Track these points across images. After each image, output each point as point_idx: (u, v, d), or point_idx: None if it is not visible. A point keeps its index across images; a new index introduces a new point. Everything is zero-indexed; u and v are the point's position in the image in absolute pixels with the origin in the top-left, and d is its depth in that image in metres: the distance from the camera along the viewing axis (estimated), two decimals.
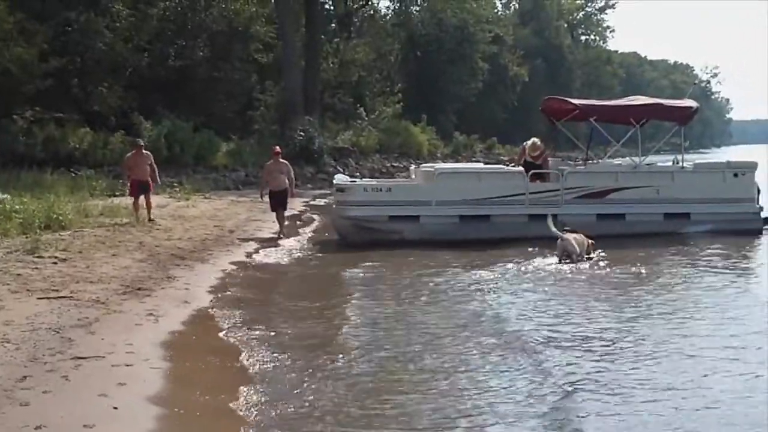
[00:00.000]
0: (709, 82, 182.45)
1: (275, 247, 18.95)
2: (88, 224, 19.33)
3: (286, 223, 21.36)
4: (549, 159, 21.68)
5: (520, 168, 21.03)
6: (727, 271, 16.17)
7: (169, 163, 32.51)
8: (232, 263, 16.27)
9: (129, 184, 21.76)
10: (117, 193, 26.05)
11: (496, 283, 14.43)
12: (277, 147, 21.63)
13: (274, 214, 20.87)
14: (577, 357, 9.67)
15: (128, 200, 21.98)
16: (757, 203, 21.60)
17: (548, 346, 10.16)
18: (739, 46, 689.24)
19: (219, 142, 38.77)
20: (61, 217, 18.58)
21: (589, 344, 10.27)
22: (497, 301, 13.01)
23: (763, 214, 21.71)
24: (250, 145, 39.54)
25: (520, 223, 19.76)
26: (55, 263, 14.06)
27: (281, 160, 20.68)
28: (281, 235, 20.30)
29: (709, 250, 18.24)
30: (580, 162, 23.71)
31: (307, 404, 7.98)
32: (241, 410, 7.73)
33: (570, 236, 16.57)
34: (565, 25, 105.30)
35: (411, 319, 11.79)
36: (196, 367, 9.05)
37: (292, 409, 7.82)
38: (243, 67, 46.14)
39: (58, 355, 8.86)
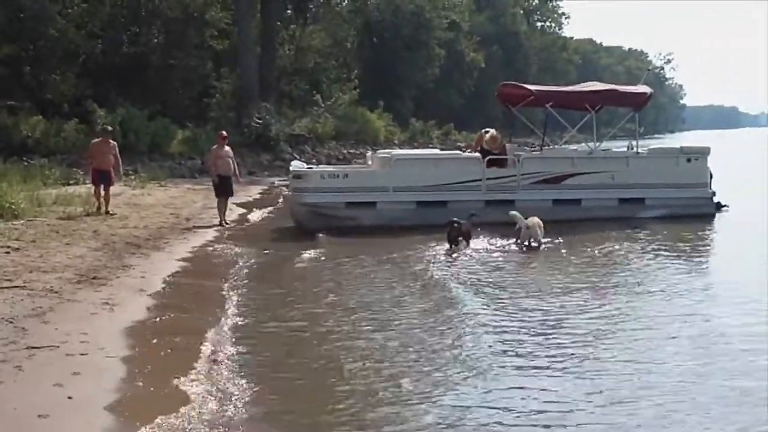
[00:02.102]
0: (663, 68, 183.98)
1: (229, 234, 18.87)
2: (42, 213, 19.11)
3: (243, 211, 21.23)
4: (506, 145, 21.78)
5: (477, 154, 21.10)
6: (677, 254, 16.37)
7: (123, 152, 31.83)
8: (188, 251, 16.22)
9: (90, 173, 21.08)
10: (71, 182, 25.79)
11: (458, 267, 14.48)
12: (224, 132, 21.50)
13: (222, 201, 20.65)
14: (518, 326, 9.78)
15: (82, 189, 21.74)
16: (710, 188, 21.88)
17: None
18: (693, 34, 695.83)
19: (174, 130, 38.51)
20: (13, 206, 18.31)
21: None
22: (459, 288, 13.03)
23: (715, 199, 22.00)
24: (206, 133, 39.21)
25: (476, 209, 19.81)
26: (8, 253, 13.89)
27: (226, 146, 20.61)
28: (224, 224, 20.18)
29: (662, 235, 18.43)
30: (536, 148, 23.82)
31: (263, 391, 7.98)
32: (197, 398, 7.69)
33: (533, 221, 16.66)
34: (521, 12, 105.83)
35: (367, 304, 11.81)
36: (152, 356, 8.99)
37: (249, 397, 7.80)
38: (198, 53, 45.73)
39: (11, 345, 8.78)
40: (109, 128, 23.07)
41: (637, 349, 9.44)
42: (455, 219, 16.74)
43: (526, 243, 16.63)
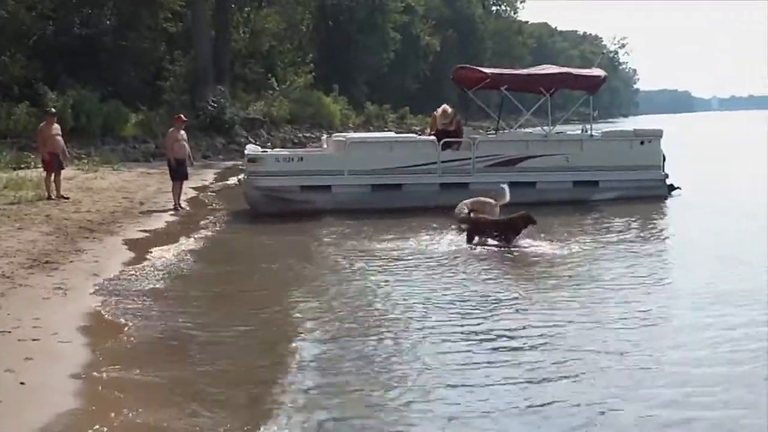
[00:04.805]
0: (617, 52, 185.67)
1: (184, 218, 18.79)
2: None
3: (197, 194, 21.10)
4: (462, 127, 21.84)
5: (432, 137, 21.14)
6: (631, 236, 16.51)
7: (75, 135, 31.78)
8: (142, 235, 16.12)
9: (45, 158, 20.45)
10: (22, 166, 25.44)
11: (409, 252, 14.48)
12: (182, 115, 21.32)
13: (177, 185, 20.51)
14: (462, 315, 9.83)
15: (34, 173, 21.47)
16: (663, 170, 22.11)
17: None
18: (646, 18, 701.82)
19: (127, 113, 38.09)
20: None
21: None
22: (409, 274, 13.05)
23: (668, 181, 22.24)
24: (159, 116, 38.86)
25: (432, 192, 19.89)
26: None
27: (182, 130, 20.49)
28: (178, 208, 20.05)
29: (617, 217, 18.58)
30: (491, 131, 23.91)
31: (215, 371, 7.95)
32: (148, 382, 7.66)
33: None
34: None
35: (314, 289, 11.80)
36: (106, 340, 8.91)
37: (200, 379, 7.77)
38: (151, 36, 45.18)
39: None
40: (53, 110, 22.72)
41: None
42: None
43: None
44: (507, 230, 14.78)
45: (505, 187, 16.94)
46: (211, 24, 45.79)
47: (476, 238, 14.79)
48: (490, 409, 7.06)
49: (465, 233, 15.09)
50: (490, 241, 14.77)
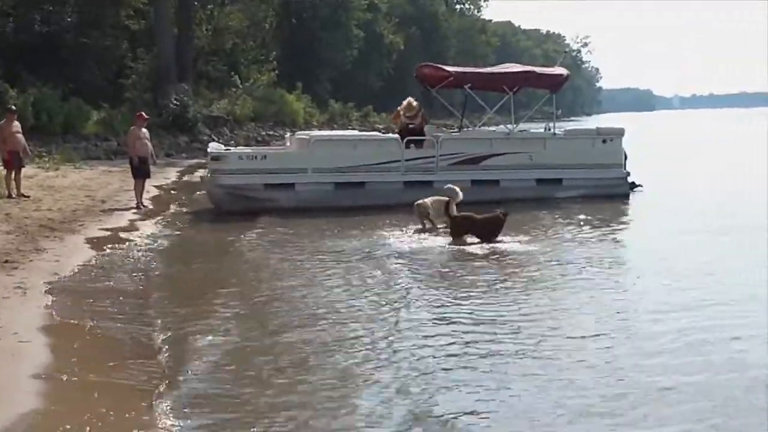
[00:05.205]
0: (579, 51, 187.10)
1: (146, 217, 18.68)
2: None
3: (160, 193, 20.97)
4: (426, 119, 21.92)
5: (396, 135, 21.18)
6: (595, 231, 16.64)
7: (36, 133, 31.46)
8: (104, 234, 15.99)
9: (5, 156, 20.17)
10: None
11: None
12: (143, 113, 21.21)
13: (139, 183, 20.34)
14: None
15: None
16: (624, 168, 22.28)
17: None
18: (609, 17, 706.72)
19: (89, 111, 37.76)
20: None
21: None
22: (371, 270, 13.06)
23: (629, 179, 22.41)
24: (121, 114, 38.55)
25: (395, 190, 19.92)
26: None
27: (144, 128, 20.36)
28: (141, 206, 19.90)
29: (580, 215, 18.70)
30: (455, 129, 23.95)
31: (177, 369, 7.93)
32: (109, 382, 7.62)
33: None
34: None
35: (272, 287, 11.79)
36: (66, 340, 8.85)
37: (160, 378, 7.74)
38: (113, 33, 44.81)
39: None
40: (13, 107, 22.50)
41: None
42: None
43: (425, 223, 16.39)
44: (495, 228, 14.99)
45: (453, 186, 16.88)
46: (173, 21, 45.50)
47: (464, 237, 14.99)
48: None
49: (449, 231, 15.30)
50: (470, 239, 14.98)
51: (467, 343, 8.82)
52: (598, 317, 9.88)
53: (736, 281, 11.89)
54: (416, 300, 10.78)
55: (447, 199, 15.97)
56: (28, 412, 6.79)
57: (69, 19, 41.86)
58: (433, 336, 9.09)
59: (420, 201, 16.48)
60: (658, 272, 12.56)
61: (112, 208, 19.52)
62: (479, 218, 15.16)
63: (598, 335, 9.12)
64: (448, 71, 22.67)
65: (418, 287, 11.57)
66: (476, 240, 14.84)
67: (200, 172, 27.19)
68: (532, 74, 23.40)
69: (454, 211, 15.57)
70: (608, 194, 21.26)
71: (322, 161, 19.93)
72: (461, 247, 14.56)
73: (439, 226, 16.27)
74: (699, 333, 9.15)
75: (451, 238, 14.98)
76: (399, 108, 22.12)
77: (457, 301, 10.72)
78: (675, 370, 7.93)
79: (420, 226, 16.43)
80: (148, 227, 17.17)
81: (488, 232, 14.91)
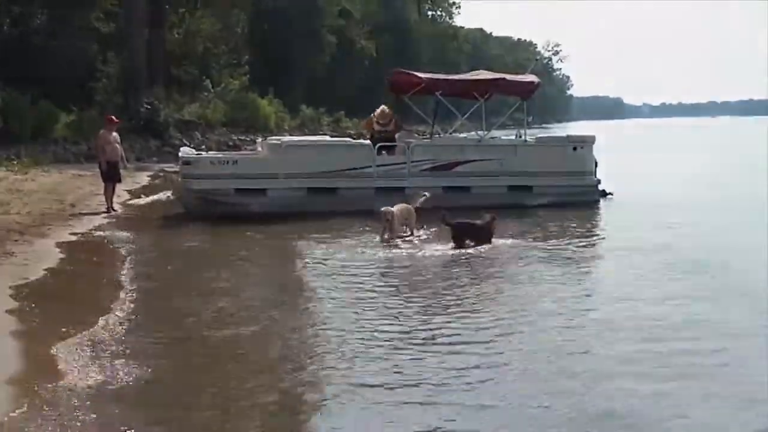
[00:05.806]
0: (550, 59, 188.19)
1: (116, 221, 18.57)
2: None
3: (131, 197, 20.86)
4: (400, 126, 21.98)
5: (368, 141, 21.21)
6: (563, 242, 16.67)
7: (4, 136, 31.24)
8: (73, 238, 15.88)
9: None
10: None
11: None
12: (113, 116, 21.08)
13: (109, 187, 20.20)
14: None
15: None
16: (595, 176, 22.40)
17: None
18: (580, 26, 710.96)
19: (58, 114, 37.46)
20: None
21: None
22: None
23: (600, 187, 22.52)
24: (91, 117, 38.26)
25: (367, 195, 19.90)
26: None
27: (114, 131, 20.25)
28: (111, 210, 19.78)
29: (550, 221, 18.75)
30: (426, 136, 24.03)
31: (145, 371, 7.90)
32: (77, 389, 7.52)
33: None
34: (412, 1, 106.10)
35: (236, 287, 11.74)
36: (36, 346, 8.75)
37: (128, 381, 7.73)
38: (83, 36, 44.48)
39: None
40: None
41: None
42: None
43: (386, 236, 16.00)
44: (489, 233, 15.31)
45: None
46: (145, 25, 45.25)
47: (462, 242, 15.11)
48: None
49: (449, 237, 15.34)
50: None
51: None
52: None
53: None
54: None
55: (412, 207, 16.15)
56: None
57: (38, 21, 41.55)
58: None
59: (384, 208, 16.44)
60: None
61: (82, 213, 19.37)
62: (479, 224, 15.42)
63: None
64: (419, 78, 22.71)
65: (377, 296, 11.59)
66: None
67: (171, 176, 27.10)
68: (503, 81, 23.46)
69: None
70: (579, 201, 21.35)
71: (294, 166, 19.89)
72: (435, 253, 14.62)
73: (402, 234, 16.23)
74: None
75: (453, 244, 15.05)
76: (372, 115, 22.19)
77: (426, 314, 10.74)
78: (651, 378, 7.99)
79: (382, 232, 16.27)
80: (118, 231, 17.05)
81: (486, 236, 15.26)
